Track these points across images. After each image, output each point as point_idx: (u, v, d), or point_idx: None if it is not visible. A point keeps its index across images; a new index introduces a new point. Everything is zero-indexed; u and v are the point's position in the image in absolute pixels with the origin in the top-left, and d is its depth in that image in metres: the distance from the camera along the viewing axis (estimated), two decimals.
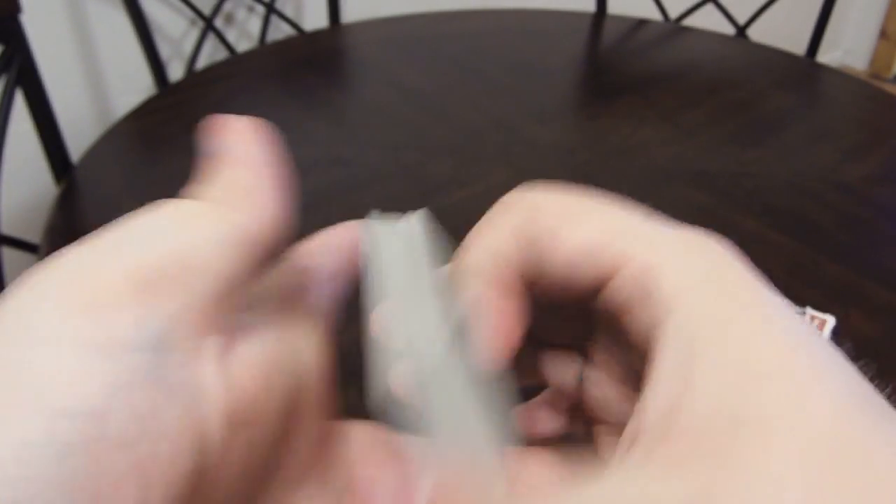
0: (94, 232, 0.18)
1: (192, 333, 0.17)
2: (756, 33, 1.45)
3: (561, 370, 0.25)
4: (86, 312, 0.16)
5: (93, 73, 1.29)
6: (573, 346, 0.25)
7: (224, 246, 0.18)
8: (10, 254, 0.95)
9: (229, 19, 1.41)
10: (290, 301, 0.22)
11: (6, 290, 0.17)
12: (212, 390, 0.17)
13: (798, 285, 0.76)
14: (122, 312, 0.16)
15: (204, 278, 0.18)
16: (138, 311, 0.16)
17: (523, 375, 0.25)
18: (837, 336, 0.69)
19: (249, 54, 1.24)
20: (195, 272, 0.17)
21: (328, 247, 0.25)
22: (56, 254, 0.17)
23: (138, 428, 0.16)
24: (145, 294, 0.17)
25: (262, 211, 0.20)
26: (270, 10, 1.36)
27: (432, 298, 0.22)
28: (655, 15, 1.44)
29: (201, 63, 1.34)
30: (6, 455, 0.14)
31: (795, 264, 0.79)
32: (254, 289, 0.20)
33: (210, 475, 0.17)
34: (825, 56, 2.50)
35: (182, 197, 0.19)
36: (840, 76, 1.19)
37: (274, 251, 0.20)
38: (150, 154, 0.97)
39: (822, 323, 0.69)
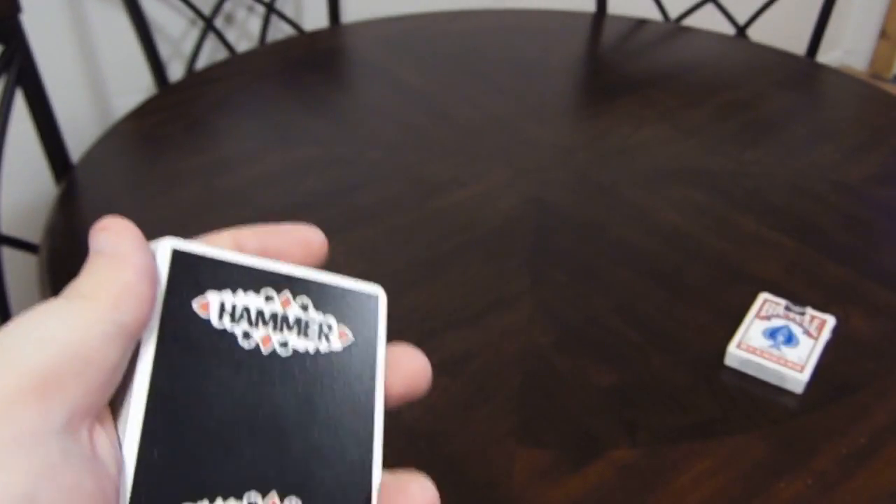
0: None
1: (88, 416, 0.21)
2: (756, 33, 1.45)
3: None
4: None
5: (93, 73, 1.29)
6: None
7: (108, 342, 0.21)
8: (10, 254, 0.95)
9: (229, 19, 1.41)
10: None
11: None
12: (109, 459, 0.21)
13: (798, 285, 0.76)
14: (29, 409, 0.19)
15: (93, 371, 0.21)
16: (42, 405, 0.20)
17: None
18: (837, 336, 0.69)
19: (249, 54, 1.24)
20: (85, 367, 0.21)
21: None
22: None
23: (64, 500, 0.19)
24: (45, 390, 0.20)
25: (138, 306, 0.23)
26: (270, 10, 1.36)
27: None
28: (655, 15, 1.44)
29: (201, 63, 1.34)
30: None
31: (795, 264, 0.79)
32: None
33: None
34: (825, 56, 2.50)
35: (66, 294, 0.22)
36: (840, 76, 1.19)
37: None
38: (150, 154, 0.97)
39: (822, 323, 0.69)
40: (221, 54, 1.39)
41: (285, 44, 1.26)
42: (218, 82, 1.10)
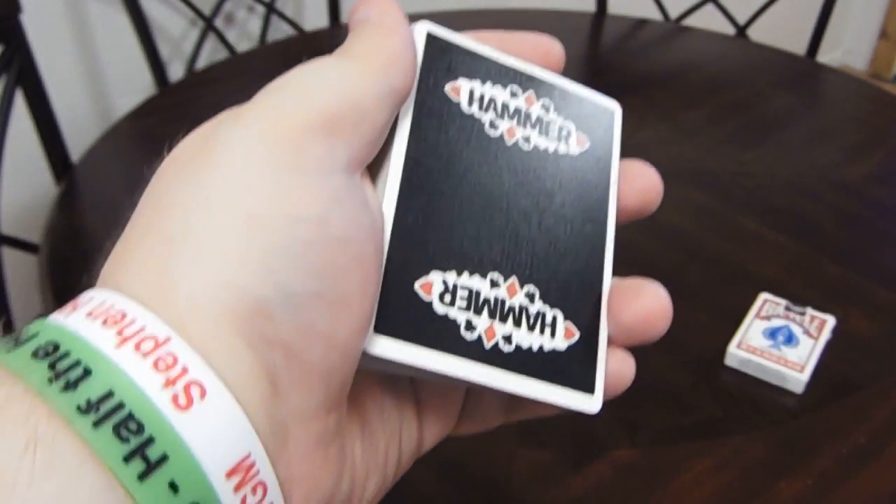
0: (279, 78, 0.23)
1: (360, 167, 0.22)
2: (756, 33, 1.45)
3: None
4: (291, 143, 0.20)
5: (93, 73, 1.29)
6: None
7: (380, 101, 0.22)
8: (10, 254, 0.95)
9: (229, 19, 1.41)
10: None
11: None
12: (377, 207, 0.23)
13: (798, 285, 0.76)
14: (318, 143, 0.20)
15: (368, 124, 0.22)
16: (328, 142, 0.21)
17: None
18: (837, 336, 0.69)
19: (249, 54, 1.24)
20: (362, 118, 0.22)
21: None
22: (250, 102, 0.22)
23: (350, 231, 0.20)
24: (330, 129, 0.21)
25: (405, 73, 0.23)
26: (270, 10, 1.36)
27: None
28: (655, 15, 1.44)
29: (201, 63, 1.34)
30: (259, 257, 0.19)
31: (795, 264, 0.79)
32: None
33: None
34: (825, 56, 2.50)
35: (338, 54, 0.23)
36: (840, 76, 1.19)
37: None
38: (150, 154, 0.97)
39: (823, 323, 0.69)
40: (221, 54, 1.39)
41: (285, 44, 1.26)
42: (218, 82, 1.10)
